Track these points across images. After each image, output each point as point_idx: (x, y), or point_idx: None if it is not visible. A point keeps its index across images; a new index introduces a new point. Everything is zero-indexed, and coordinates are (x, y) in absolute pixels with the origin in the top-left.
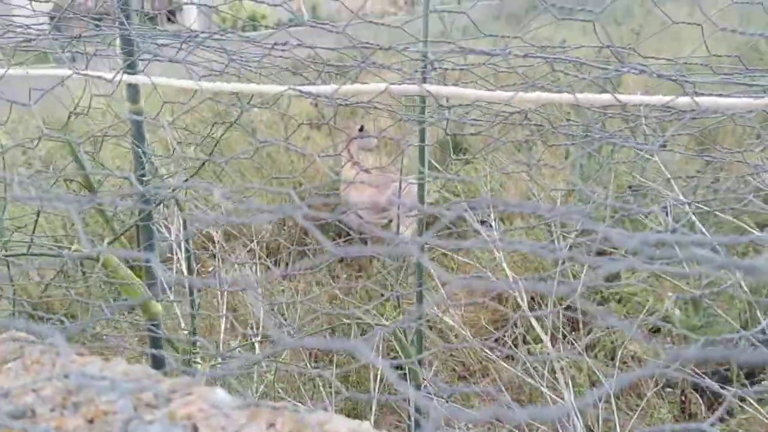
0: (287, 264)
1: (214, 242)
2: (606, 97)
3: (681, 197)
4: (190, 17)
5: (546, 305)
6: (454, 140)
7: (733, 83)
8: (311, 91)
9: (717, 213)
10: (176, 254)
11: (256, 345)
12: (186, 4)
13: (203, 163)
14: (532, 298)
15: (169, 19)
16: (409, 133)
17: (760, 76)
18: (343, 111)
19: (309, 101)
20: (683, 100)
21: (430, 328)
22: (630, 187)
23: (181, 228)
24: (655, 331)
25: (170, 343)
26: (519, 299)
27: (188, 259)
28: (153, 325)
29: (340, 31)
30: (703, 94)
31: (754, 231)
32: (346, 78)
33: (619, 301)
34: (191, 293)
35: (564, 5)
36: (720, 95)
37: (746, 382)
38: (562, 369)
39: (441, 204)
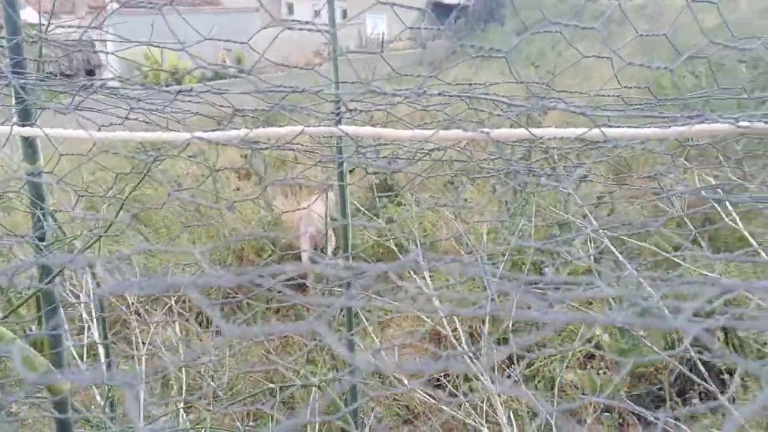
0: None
1: (129, 304)
2: (520, 132)
3: (599, 228)
4: (112, 74)
5: (484, 341)
6: (384, 181)
7: (642, 116)
8: (220, 137)
9: (634, 240)
10: (87, 320)
11: (182, 412)
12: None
13: (110, 225)
14: (471, 335)
15: (89, 78)
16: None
17: (671, 104)
18: (273, 161)
19: (239, 152)
20: (594, 133)
21: (373, 374)
22: (558, 223)
23: (92, 293)
24: (590, 357)
25: (86, 420)
26: (454, 338)
27: (102, 322)
28: (60, 403)
29: (245, 77)
30: (616, 126)
31: (667, 254)
32: (259, 122)
33: (553, 330)
34: (108, 357)
35: (482, 48)
36: (630, 127)
37: (678, 399)
38: (503, 403)
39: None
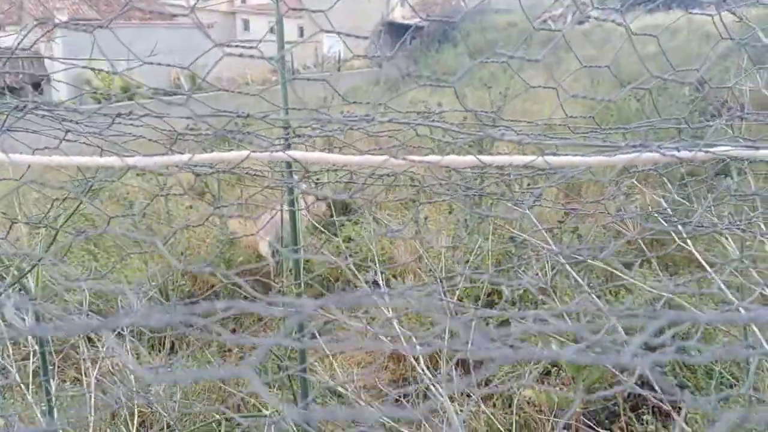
0: (173, 342)
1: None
2: (470, 159)
3: (553, 247)
4: (59, 90)
5: (443, 361)
6: (342, 201)
7: (587, 145)
8: (160, 162)
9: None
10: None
11: None
12: (56, 72)
13: (50, 244)
14: (431, 356)
15: (35, 91)
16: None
17: (614, 132)
18: (228, 178)
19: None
20: (541, 161)
21: (333, 393)
22: (512, 238)
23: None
24: (547, 373)
25: None
26: (413, 360)
27: (43, 355)
28: None
29: (184, 101)
30: (563, 155)
31: (621, 273)
32: (207, 144)
33: (511, 347)
34: (48, 395)
35: (438, 70)
36: (575, 155)
37: (631, 415)
38: (463, 422)
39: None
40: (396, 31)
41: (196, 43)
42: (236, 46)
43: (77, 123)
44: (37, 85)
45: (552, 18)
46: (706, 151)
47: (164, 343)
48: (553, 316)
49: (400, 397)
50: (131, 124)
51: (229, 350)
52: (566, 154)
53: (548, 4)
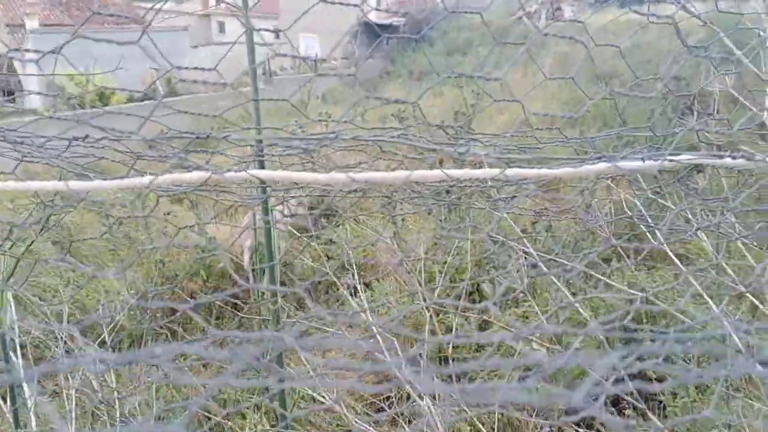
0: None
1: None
2: (437, 173)
3: (531, 250)
4: (31, 97)
5: (424, 363)
6: (321, 201)
7: (552, 158)
8: (122, 185)
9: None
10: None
11: None
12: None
13: (15, 266)
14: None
15: (8, 100)
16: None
17: (579, 142)
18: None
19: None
20: (509, 173)
21: (314, 399)
22: (491, 237)
23: None
24: (527, 369)
25: None
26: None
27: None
28: None
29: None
30: (530, 167)
31: (598, 274)
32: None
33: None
34: (14, 405)
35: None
36: (542, 167)
37: (613, 410)
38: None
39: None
40: (372, 31)
41: (171, 46)
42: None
43: (38, 147)
44: (10, 93)
45: (527, 15)
46: (671, 161)
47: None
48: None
49: (381, 401)
50: (92, 146)
51: (205, 365)
52: (532, 167)
53: (523, 1)
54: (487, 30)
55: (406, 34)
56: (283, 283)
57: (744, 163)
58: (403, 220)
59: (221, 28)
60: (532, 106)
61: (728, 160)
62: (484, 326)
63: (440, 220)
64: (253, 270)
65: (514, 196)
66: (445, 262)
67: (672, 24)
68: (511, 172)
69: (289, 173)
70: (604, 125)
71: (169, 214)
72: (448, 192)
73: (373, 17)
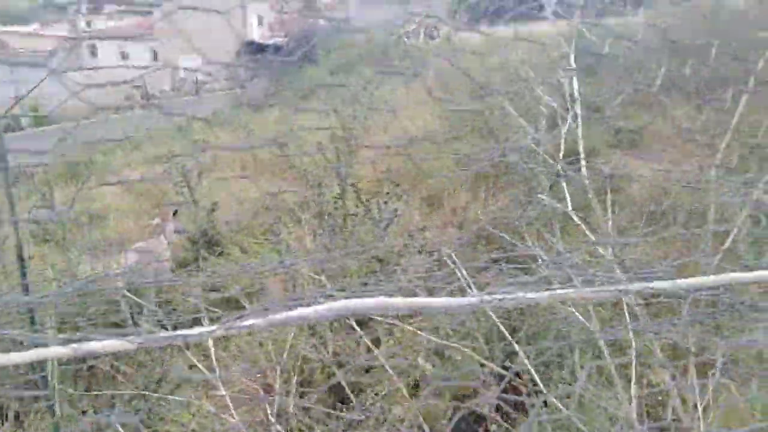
0: (17, 413)
1: None
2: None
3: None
4: None
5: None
6: (205, 232)
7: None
8: None
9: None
10: None
11: None
12: None
13: None
14: (301, 383)
15: None
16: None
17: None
18: (79, 215)
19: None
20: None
21: None
22: (376, 257)
23: None
24: (416, 386)
25: None
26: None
27: None
28: None
29: None
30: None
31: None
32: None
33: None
34: None
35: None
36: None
37: (496, 415)
38: None
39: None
40: (256, 50)
41: (34, 73)
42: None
43: None
44: None
45: (407, 34)
46: None
47: (6, 415)
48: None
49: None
50: None
51: (84, 411)
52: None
53: (403, 21)
54: (369, 47)
55: (289, 52)
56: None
57: None
58: (287, 246)
59: (93, 51)
60: (415, 123)
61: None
62: (377, 344)
63: (325, 245)
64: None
65: (396, 211)
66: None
67: (536, 42)
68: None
69: None
70: (481, 138)
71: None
72: (330, 215)
73: (256, 37)
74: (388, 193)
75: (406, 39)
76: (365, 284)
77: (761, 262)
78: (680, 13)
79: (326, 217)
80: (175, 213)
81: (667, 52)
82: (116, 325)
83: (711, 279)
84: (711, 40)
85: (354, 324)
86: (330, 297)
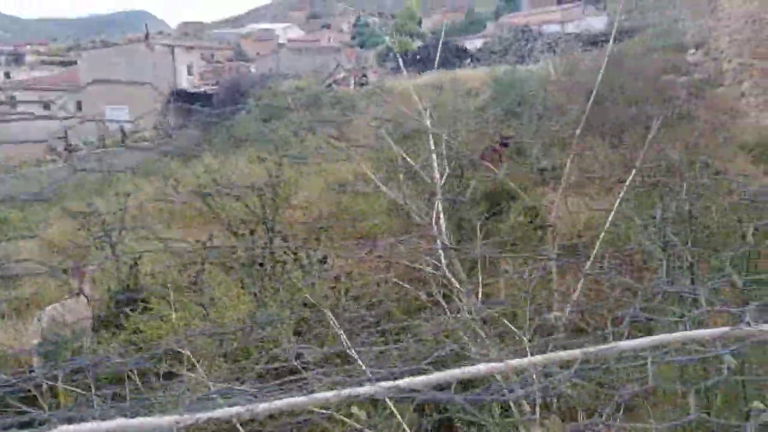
0: None
1: None
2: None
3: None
4: None
5: None
6: (127, 286)
7: None
8: None
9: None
10: None
11: None
12: None
13: None
14: None
15: None
16: None
17: None
18: None
19: None
20: None
21: None
22: (305, 304)
23: None
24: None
25: None
26: None
27: None
28: None
29: None
30: None
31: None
32: None
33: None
34: None
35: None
36: None
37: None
38: None
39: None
40: (185, 99)
41: None
42: None
43: None
44: None
45: (336, 81)
46: None
47: None
48: None
49: None
50: None
51: None
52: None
53: (331, 68)
54: (300, 95)
55: (220, 101)
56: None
57: None
58: (212, 299)
59: (12, 103)
60: (347, 168)
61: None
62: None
63: (254, 294)
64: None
65: (325, 261)
66: (262, 340)
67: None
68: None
69: None
70: (413, 182)
71: None
72: (261, 264)
73: (186, 85)
74: (317, 238)
75: (336, 86)
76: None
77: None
78: (588, 59)
79: (255, 266)
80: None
81: (583, 95)
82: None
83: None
84: (613, 86)
85: None
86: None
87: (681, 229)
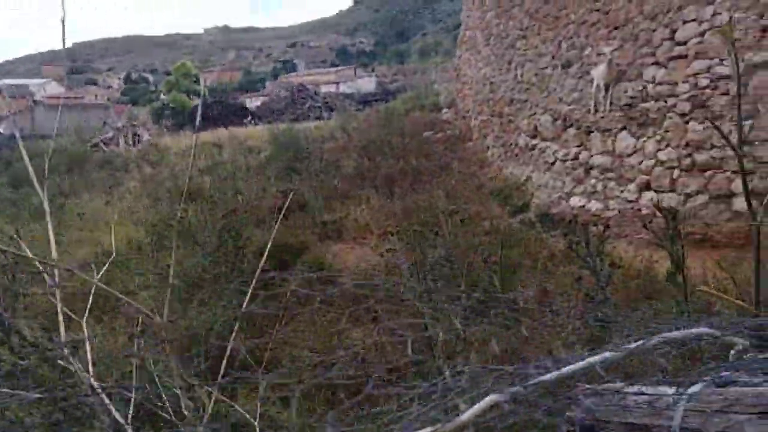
0: None
1: None
2: None
3: None
4: None
5: None
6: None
7: None
8: None
9: None
10: None
11: None
12: None
13: None
14: None
15: None
16: None
17: None
18: None
19: None
20: None
21: None
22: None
23: None
24: None
25: None
26: None
27: None
28: None
29: None
30: None
31: None
32: None
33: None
34: None
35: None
36: None
37: None
38: None
39: None
40: None
41: None
42: None
43: None
44: None
45: (104, 141)
46: None
47: None
48: None
49: None
50: None
51: None
52: None
53: (96, 129)
54: (61, 157)
55: None
56: None
57: None
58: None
59: None
60: (119, 233)
61: None
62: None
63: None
64: None
65: (82, 345)
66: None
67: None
68: None
69: None
70: (191, 242)
71: None
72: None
73: None
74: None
75: (104, 146)
76: None
77: None
78: (362, 117)
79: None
80: None
81: (356, 151)
82: None
83: None
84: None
85: None
86: None
87: (443, 273)
